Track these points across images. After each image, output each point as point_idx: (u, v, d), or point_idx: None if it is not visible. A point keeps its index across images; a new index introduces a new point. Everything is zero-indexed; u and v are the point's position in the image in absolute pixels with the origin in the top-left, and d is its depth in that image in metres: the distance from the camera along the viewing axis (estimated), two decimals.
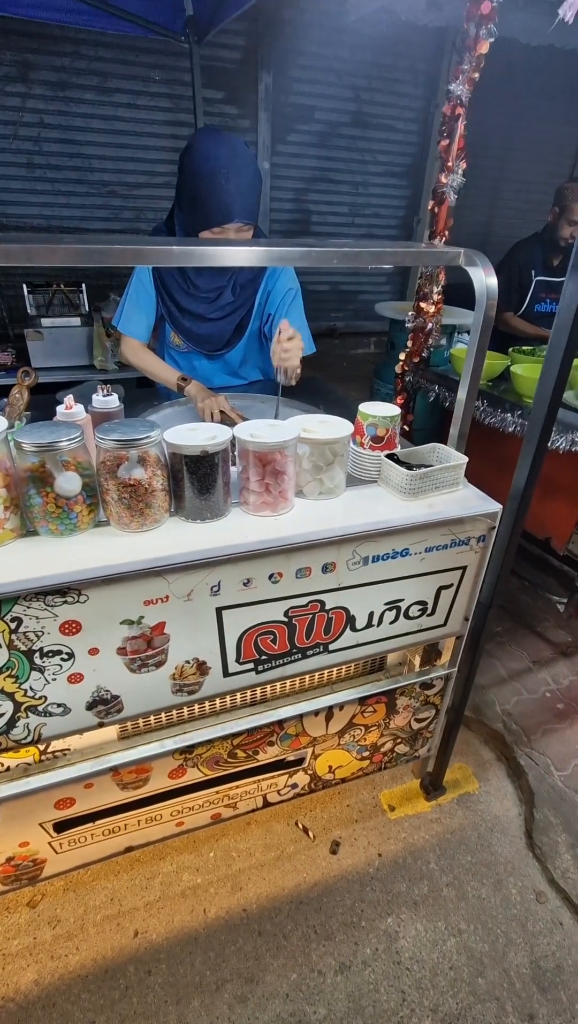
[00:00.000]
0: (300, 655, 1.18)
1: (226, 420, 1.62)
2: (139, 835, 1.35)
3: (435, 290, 2.16)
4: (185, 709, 1.26)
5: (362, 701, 1.35)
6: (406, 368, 2.36)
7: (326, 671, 1.37)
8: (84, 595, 0.92)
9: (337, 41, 4.42)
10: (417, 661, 1.45)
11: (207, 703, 1.27)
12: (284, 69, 4.45)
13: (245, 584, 1.03)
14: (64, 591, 0.90)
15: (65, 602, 0.91)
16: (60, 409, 1.08)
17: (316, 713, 1.31)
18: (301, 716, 1.30)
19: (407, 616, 1.24)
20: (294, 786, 1.49)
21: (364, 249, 1.03)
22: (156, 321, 1.75)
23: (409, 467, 1.20)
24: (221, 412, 1.62)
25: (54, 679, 0.98)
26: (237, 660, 1.12)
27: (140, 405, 1.69)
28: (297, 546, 1.02)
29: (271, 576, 1.04)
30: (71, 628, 0.94)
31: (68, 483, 0.96)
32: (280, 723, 1.28)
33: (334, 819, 1.70)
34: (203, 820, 1.42)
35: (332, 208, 5.01)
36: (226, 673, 1.13)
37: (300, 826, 1.67)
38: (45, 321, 2.82)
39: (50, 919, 1.44)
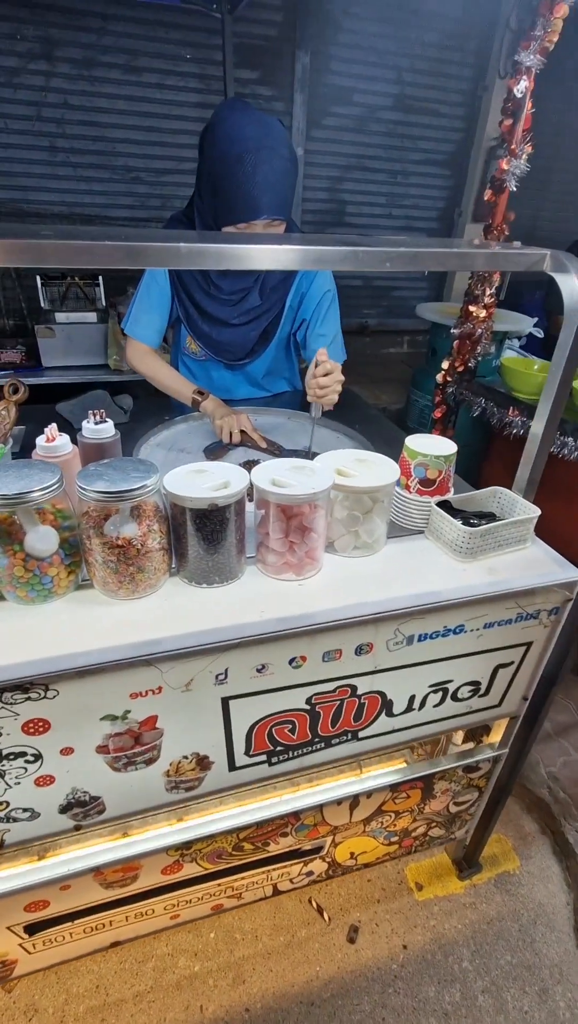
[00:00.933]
0: (323, 744, 0.97)
1: (247, 441, 1.40)
2: (127, 930, 1.16)
3: (488, 292, 1.90)
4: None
5: (394, 788, 1.14)
6: (449, 379, 2.11)
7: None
8: (53, 690, 0.72)
9: (381, 16, 4.12)
10: (460, 738, 1.22)
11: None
12: (323, 47, 4.17)
13: (259, 671, 0.82)
14: (26, 687, 0.71)
15: (28, 699, 0.72)
16: (40, 442, 0.88)
17: (338, 802, 1.10)
18: (321, 806, 1.09)
19: (455, 698, 1.02)
20: (309, 873, 1.28)
21: (423, 250, 0.81)
22: (170, 324, 1.54)
23: (466, 519, 0.97)
24: (242, 432, 1.41)
25: (17, 783, 0.79)
26: (246, 753, 0.92)
27: (149, 420, 1.49)
28: (326, 627, 0.81)
29: (292, 661, 0.83)
30: (37, 727, 0.75)
31: (41, 541, 0.76)
32: (296, 814, 1.07)
33: (353, 897, 1.50)
34: (202, 912, 1.22)
35: (368, 199, 4.72)
36: (232, 767, 0.93)
37: (314, 904, 1.47)
38: (59, 316, 2.63)
39: (27, 1008, 1.27)
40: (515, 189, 1.75)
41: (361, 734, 0.99)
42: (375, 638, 0.86)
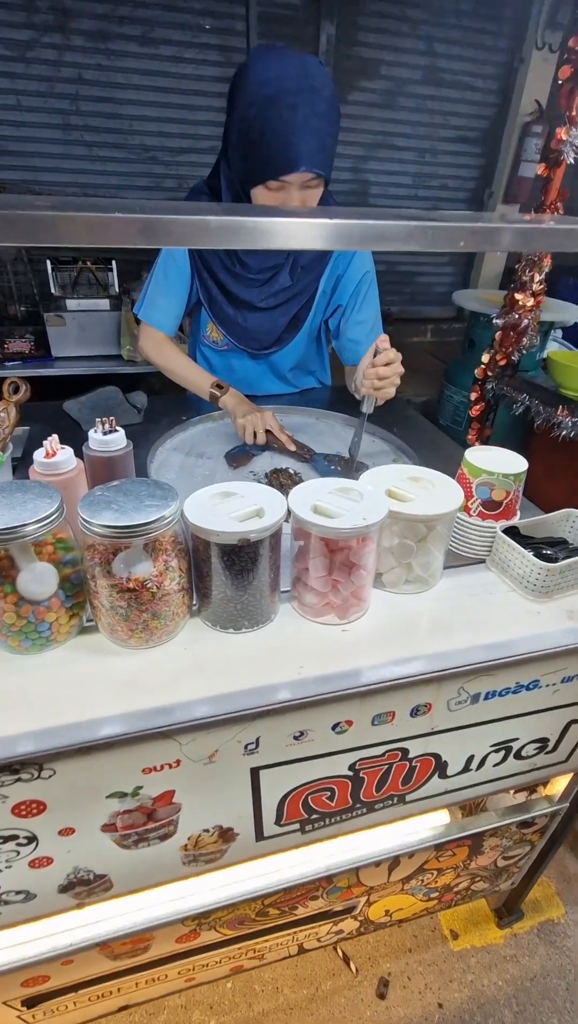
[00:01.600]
0: (364, 809, 0.84)
1: (273, 442, 1.25)
2: (138, 995, 1.05)
3: (537, 278, 1.72)
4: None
5: (439, 847, 1.00)
6: (489, 373, 1.94)
7: None
8: (49, 769, 0.59)
9: None
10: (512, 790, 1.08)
11: None
12: (350, 17, 3.94)
13: (296, 738, 0.68)
14: (15, 767, 0.57)
15: (19, 780, 0.59)
16: (38, 457, 0.74)
17: (377, 864, 0.97)
18: (357, 869, 0.96)
19: (518, 756, 0.88)
20: (340, 932, 1.16)
21: (502, 226, 0.65)
22: (188, 311, 1.39)
23: (538, 550, 0.82)
24: (267, 433, 1.25)
25: (9, 867, 0.66)
26: (277, 823, 0.78)
27: (165, 419, 1.35)
28: (377, 688, 0.67)
29: (336, 726, 0.69)
30: (30, 809, 0.62)
31: (37, 582, 0.63)
32: (328, 877, 0.94)
33: (382, 946, 1.37)
34: (220, 973, 1.11)
35: (393, 178, 4.49)
36: (260, 837, 0.79)
37: (340, 953, 1.34)
38: (70, 303, 2.50)
39: None
40: (573, 162, 1.56)
41: (408, 797, 0.85)
42: (435, 698, 0.72)
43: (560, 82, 1.51)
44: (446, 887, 1.16)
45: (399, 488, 0.78)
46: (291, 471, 1.16)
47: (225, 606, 0.70)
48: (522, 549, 0.80)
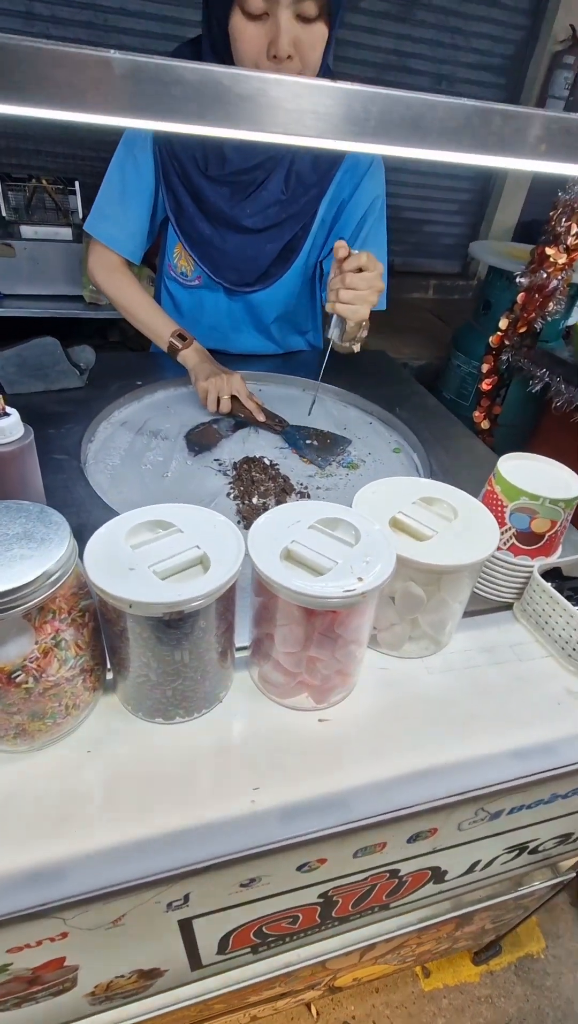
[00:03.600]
0: (336, 923, 0.65)
1: (240, 412, 1.01)
2: None
3: (574, 231, 1.45)
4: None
5: (423, 930, 0.84)
6: (506, 342, 1.68)
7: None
8: None
9: None
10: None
11: None
12: None
13: (245, 885, 0.48)
14: None
15: None
16: None
17: (347, 954, 0.80)
18: (324, 961, 0.78)
19: (534, 852, 0.69)
20: (300, 1000, 1.01)
21: None
22: (153, 234, 1.09)
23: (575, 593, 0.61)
24: (233, 399, 1.00)
25: None
26: (220, 952, 0.59)
27: (113, 385, 1.08)
28: (364, 826, 0.46)
29: (302, 867, 0.49)
30: None
31: None
32: (287, 974, 0.77)
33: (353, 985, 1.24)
34: None
35: None
36: (197, 967, 0.60)
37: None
38: (25, 230, 2.13)
39: None
40: None
41: (393, 904, 0.66)
42: (444, 823, 0.51)
43: None
44: (425, 952, 1.01)
45: (409, 518, 0.55)
46: (266, 461, 0.92)
47: (148, 693, 0.48)
48: (569, 605, 0.59)
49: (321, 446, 0.98)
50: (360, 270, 0.83)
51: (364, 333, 0.98)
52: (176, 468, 0.90)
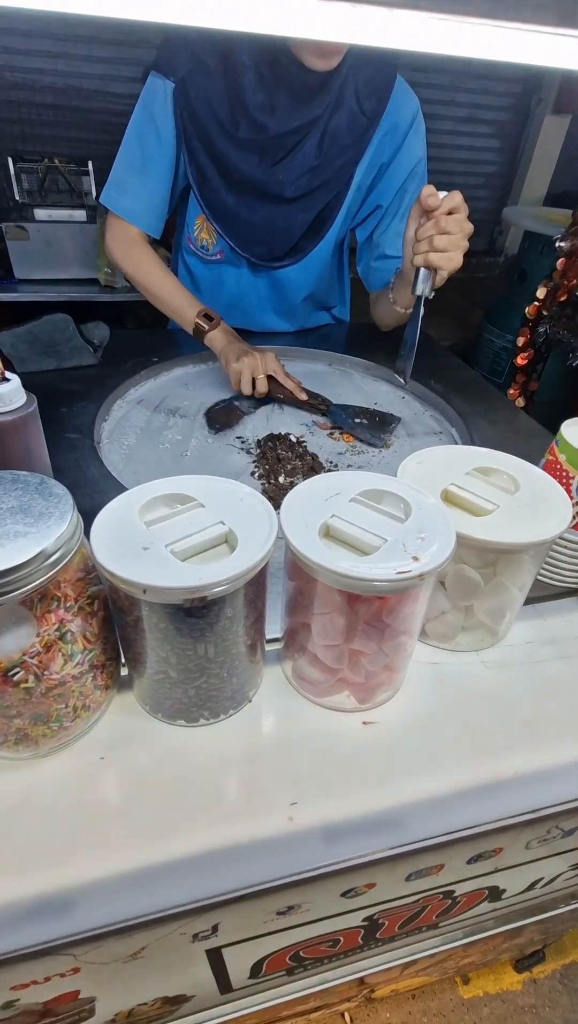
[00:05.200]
0: (380, 943, 0.58)
1: (278, 393, 0.93)
2: None
3: None
4: None
5: (470, 944, 0.77)
6: (544, 312, 1.57)
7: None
8: None
9: None
10: None
11: None
12: None
13: (282, 913, 0.42)
14: None
15: None
16: None
17: (387, 969, 0.74)
18: (362, 977, 0.72)
19: None
20: (334, 1011, 0.95)
21: None
22: (172, 207, 1.01)
23: None
24: (270, 380, 0.93)
25: None
26: (252, 977, 0.53)
27: (129, 362, 1.02)
28: (419, 849, 0.39)
29: (348, 892, 0.42)
30: None
31: None
32: (323, 991, 0.71)
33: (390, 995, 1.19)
34: None
35: (426, 76, 3.85)
36: (227, 991, 0.55)
37: None
38: (39, 212, 2.08)
39: None
40: None
41: (443, 924, 0.60)
42: (511, 842, 0.44)
43: None
44: (469, 964, 0.95)
45: (464, 490, 0.48)
46: (293, 438, 0.85)
47: (168, 692, 0.41)
48: None
49: (371, 424, 0.90)
50: (450, 213, 0.73)
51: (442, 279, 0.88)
52: (196, 447, 0.84)
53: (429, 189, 0.73)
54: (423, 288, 0.78)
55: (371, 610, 0.40)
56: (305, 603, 0.42)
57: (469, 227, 0.74)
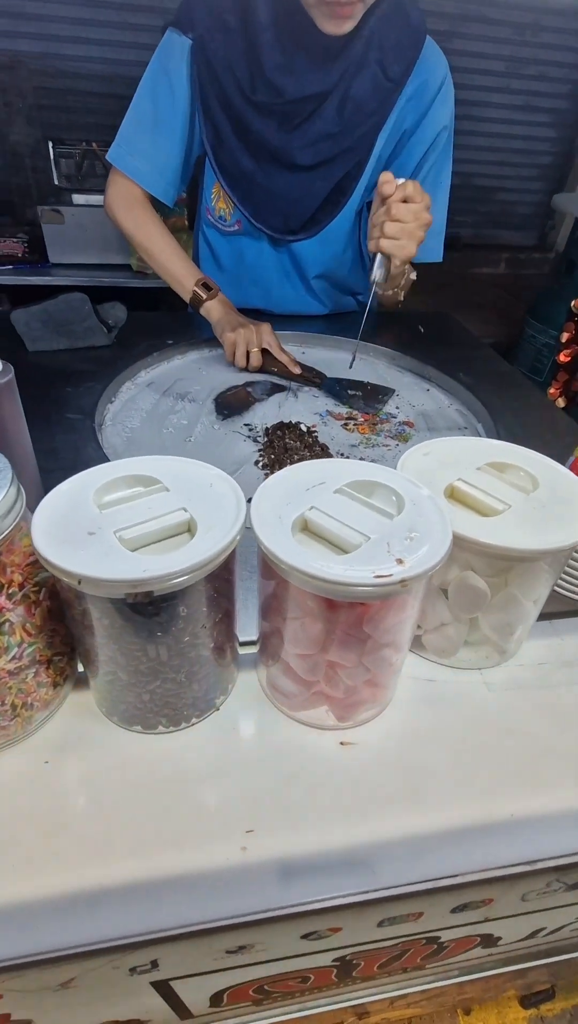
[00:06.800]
0: (360, 980, 0.53)
1: (272, 366, 0.90)
2: None
3: None
4: None
5: (467, 983, 0.71)
6: None
7: None
8: None
9: None
10: None
11: None
12: None
13: (233, 952, 0.37)
14: None
15: None
16: None
17: (375, 1001, 0.68)
18: (353, 1006, 0.67)
19: None
20: None
21: None
22: (191, 165, 0.97)
23: None
24: (264, 352, 0.90)
25: None
26: (214, 1006, 0.49)
27: (142, 344, 0.98)
28: (395, 895, 0.34)
29: (310, 935, 0.37)
30: None
31: None
32: (304, 1018, 0.66)
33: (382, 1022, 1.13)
34: None
35: (481, 63, 3.67)
36: (187, 1016, 0.50)
37: None
38: (77, 198, 2.08)
39: None
40: None
41: (430, 965, 0.54)
42: (503, 894, 0.39)
43: None
44: (467, 999, 0.88)
45: (472, 487, 0.42)
46: (303, 427, 0.80)
47: (120, 695, 0.37)
48: None
49: (365, 395, 0.87)
50: (405, 201, 0.72)
51: (413, 275, 0.86)
52: (201, 432, 0.80)
53: (386, 175, 0.72)
54: (376, 274, 0.78)
55: (350, 618, 0.35)
56: (277, 605, 0.37)
57: (426, 217, 0.73)
